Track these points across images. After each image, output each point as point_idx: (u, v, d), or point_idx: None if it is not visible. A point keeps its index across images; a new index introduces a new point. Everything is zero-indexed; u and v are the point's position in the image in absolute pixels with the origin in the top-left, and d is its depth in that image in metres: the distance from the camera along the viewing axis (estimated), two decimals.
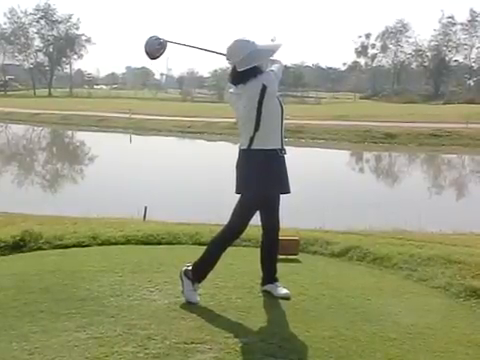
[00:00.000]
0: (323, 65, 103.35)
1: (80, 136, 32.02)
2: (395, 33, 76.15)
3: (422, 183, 18.20)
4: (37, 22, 77.15)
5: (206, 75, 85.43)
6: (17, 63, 79.03)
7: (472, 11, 71.18)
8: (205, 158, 20.93)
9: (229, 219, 3.82)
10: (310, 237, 5.68)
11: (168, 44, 3.98)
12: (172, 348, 3.02)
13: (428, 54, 74.00)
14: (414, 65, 77.55)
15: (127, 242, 5.55)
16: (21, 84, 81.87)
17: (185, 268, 3.82)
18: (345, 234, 6.30)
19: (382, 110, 40.04)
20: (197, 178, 15.86)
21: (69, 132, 34.27)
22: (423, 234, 7.19)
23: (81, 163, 22.67)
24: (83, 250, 5.27)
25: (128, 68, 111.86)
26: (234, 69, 3.73)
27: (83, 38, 77.54)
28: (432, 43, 72.93)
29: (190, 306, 3.64)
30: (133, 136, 30.74)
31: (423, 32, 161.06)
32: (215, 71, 73.92)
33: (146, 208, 7.87)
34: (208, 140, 28.78)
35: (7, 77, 78.04)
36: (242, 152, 3.77)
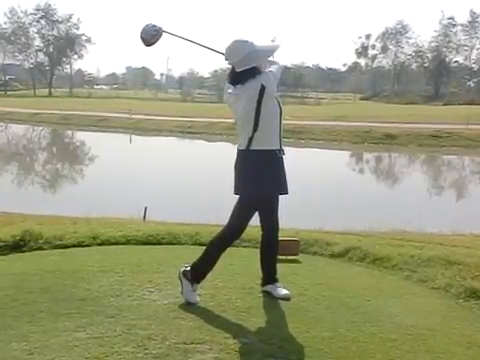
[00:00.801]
0: (323, 66, 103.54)
1: (80, 136, 32.03)
2: (395, 34, 76.19)
3: (422, 184, 18.20)
4: (37, 22, 77.18)
5: (206, 75, 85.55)
6: (17, 63, 79.05)
7: (472, 12, 71.32)
8: (205, 158, 20.94)
9: (228, 220, 3.82)
10: (310, 238, 5.68)
11: (164, 34, 3.98)
12: (172, 348, 3.02)
13: (428, 55, 74.03)
14: (414, 66, 77.58)
15: (127, 242, 5.55)
16: (21, 84, 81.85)
17: (183, 269, 3.82)
18: (345, 235, 6.30)
19: (382, 111, 40.05)
20: (197, 178, 15.86)
21: (69, 132, 34.28)
22: (423, 235, 7.19)
23: (81, 163, 22.67)
24: (83, 250, 5.27)
25: (128, 68, 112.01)
26: (233, 69, 3.73)
27: (83, 38, 77.63)
28: (432, 44, 73.03)
29: (190, 306, 3.64)
30: (133, 136, 30.74)
31: (423, 33, 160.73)
32: (215, 71, 73.99)
33: (146, 208, 7.87)
34: (208, 140, 28.78)
35: (7, 77, 78.06)
36: (241, 153, 3.77)
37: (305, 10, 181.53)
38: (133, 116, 35.05)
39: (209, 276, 3.84)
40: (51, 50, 77.44)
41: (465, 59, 73.83)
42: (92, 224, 6.29)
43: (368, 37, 77.50)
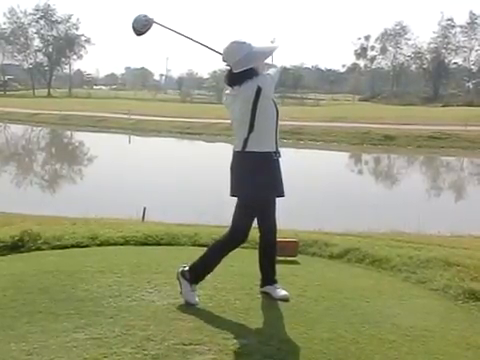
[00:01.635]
0: (322, 67, 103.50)
1: (79, 136, 32.02)
2: (394, 35, 76.32)
3: (421, 185, 18.21)
4: (36, 22, 77.18)
5: (205, 76, 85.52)
6: (16, 63, 79.06)
7: (471, 13, 71.45)
8: (204, 159, 20.94)
9: (231, 224, 3.79)
10: (309, 239, 5.68)
11: (154, 24, 3.98)
12: (171, 349, 3.02)
13: (427, 56, 74.12)
14: (413, 67, 77.69)
15: (126, 243, 5.55)
16: (20, 84, 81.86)
17: (181, 269, 3.81)
18: (344, 236, 6.31)
19: (381, 112, 40.08)
20: (196, 179, 15.86)
21: (68, 132, 34.27)
22: (422, 236, 7.20)
23: (80, 163, 22.66)
24: (82, 250, 5.26)
25: (127, 69, 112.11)
26: (230, 71, 3.73)
27: (83, 38, 77.70)
28: (431, 45, 73.13)
29: (189, 307, 3.64)
30: (132, 137, 30.74)
31: (422, 34, 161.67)
32: (214, 72, 73.96)
33: (145, 209, 7.88)
34: (207, 141, 28.77)
35: (6, 77, 78.04)
36: (236, 154, 3.76)
37: (304, 11, 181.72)
38: (132, 117, 35.05)
39: (208, 277, 3.83)
40: (50, 50, 77.44)
41: (464, 60, 74.06)
42: (91, 225, 6.29)
43: (367, 38, 77.74)
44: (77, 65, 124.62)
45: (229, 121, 3.88)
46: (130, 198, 11.56)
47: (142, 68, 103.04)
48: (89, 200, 11.57)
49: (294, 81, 73.81)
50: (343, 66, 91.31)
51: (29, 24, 77.22)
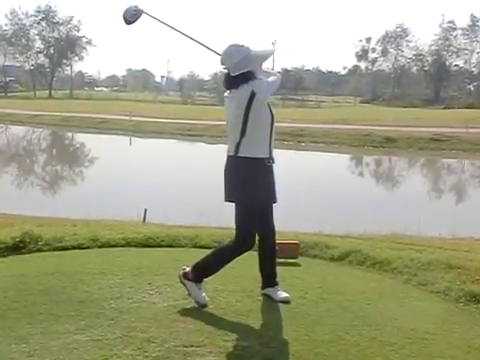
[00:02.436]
0: (323, 69, 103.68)
1: (80, 138, 32.05)
2: (395, 37, 76.38)
3: (422, 187, 18.20)
4: (38, 24, 77.34)
5: (206, 78, 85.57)
6: (18, 64, 79.18)
7: (473, 16, 71.54)
8: (205, 161, 20.93)
9: (238, 233, 3.77)
10: (310, 241, 5.67)
11: (143, 15, 4.05)
12: (171, 351, 3.02)
13: (428, 58, 74.18)
14: (414, 69, 77.76)
15: (127, 244, 5.54)
16: (21, 85, 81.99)
17: (182, 271, 3.80)
18: (345, 238, 6.30)
19: (382, 114, 40.09)
20: (197, 181, 15.85)
21: (69, 134, 34.30)
22: (423, 238, 7.20)
23: (81, 165, 22.67)
24: (83, 252, 5.26)
25: (129, 70, 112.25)
26: (228, 74, 3.73)
27: (84, 40, 77.87)
28: (432, 47, 73.19)
29: (190, 309, 3.64)
30: (133, 138, 30.75)
31: (423, 36, 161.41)
32: (215, 74, 74.01)
33: (146, 210, 7.88)
34: (208, 143, 28.75)
35: (7, 78, 78.12)
36: (229, 158, 3.76)
37: (306, 13, 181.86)
38: (133, 118, 35.08)
39: (209, 279, 3.83)
40: (51, 52, 77.57)
41: (465, 63, 74.12)
42: (92, 226, 6.29)
43: (368, 40, 77.81)
44: (78, 67, 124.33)
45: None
46: (131, 200, 11.57)
47: (143, 70, 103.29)
48: (90, 202, 11.58)
49: (295, 83, 73.85)
50: (344, 68, 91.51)
51: (30, 25, 77.45)
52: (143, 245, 5.56)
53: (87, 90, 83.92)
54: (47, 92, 73.94)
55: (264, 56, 3.84)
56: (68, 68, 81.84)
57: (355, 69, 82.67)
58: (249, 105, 3.59)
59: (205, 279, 3.81)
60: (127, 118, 35.28)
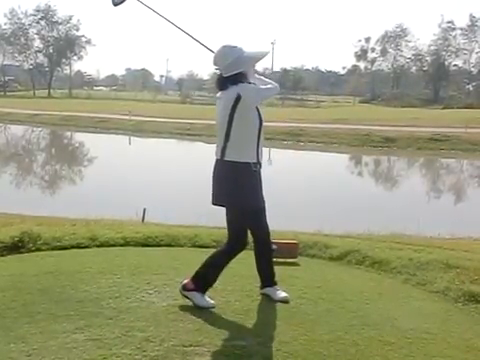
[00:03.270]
0: (323, 68, 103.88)
1: (79, 137, 32.01)
2: (395, 37, 76.42)
3: (421, 187, 18.21)
4: (37, 23, 77.27)
5: (206, 77, 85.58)
6: (17, 64, 79.13)
7: (472, 16, 71.59)
8: (204, 160, 20.89)
9: (230, 236, 3.77)
10: (309, 241, 5.68)
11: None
12: (170, 351, 3.02)
13: (427, 58, 74.22)
14: (413, 69, 77.79)
15: (126, 244, 5.55)
16: (21, 85, 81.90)
17: (183, 284, 3.77)
18: (344, 238, 6.31)
19: (381, 114, 40.09)
20: (196, 180, 15.82)
21: (68, 133, 34.27)
22: (422, 238, 7.20)
23: (80, 164, 22.66)
24: (82, 251, 5.26)
25: (128, 70, 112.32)
26: (220, 75, 3.71)
27: (83, 39, 77.80)
28: (432, 47, 73.23)
29: (188, 308, 3.64)
30: (132, 138, 30.73)
31: (423, 36, 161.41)
32: (215, 74, 73.83)
33: (145, 210, 7.87)
34: (207, 142, 28.69)
35: (7, 78, 78.06)
36: (217, 161, 3.74)
37: (305, 13, 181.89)
38: (132, 118, 35.05)
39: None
40: (51, 51, 77.49)
41: (464, 63, 74.14)
42: (91, 225, 6.29)
43: (368, 40, 77.85)
44: (77, 66, 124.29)
45: None
46: (130, 199, 11.56)
47: (142, 69, 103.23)
48: (89, 201, 11.57)
49: (294, 83, 73.94)
50: (343, 68, 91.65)
51: (30, 25, 77.37)
52: (142, 244, 5.57)
53: (86, 89, 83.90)
54: (46, 91, 73.86)
55: (257, 57, 3.79)
56: (67, 67, 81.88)
57: (354, 69, 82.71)
58: (234, 108, 3.57)
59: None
60: (126, 117, 35.25)
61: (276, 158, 24.17)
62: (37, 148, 28.96)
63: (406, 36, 76.01)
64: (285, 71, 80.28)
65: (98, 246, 5.46)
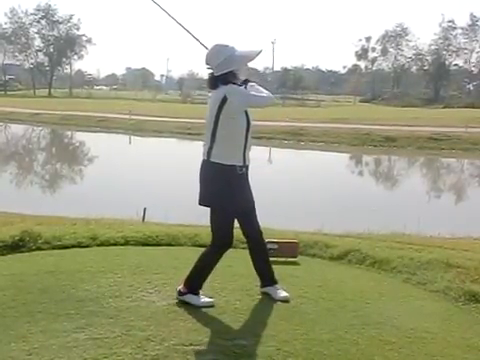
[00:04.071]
0: (323, 68, 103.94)
1: (80, 136, 32.01)
2: (395, 37, 76.39)
3: (421, 187, 18.20)
4: (38, 22, 77.27)
5: (206, 77, 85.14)
6: (17, 63, 79.09)
7: (472, 15, 71.53)
8: None
9: (213, 235, 3.76)
10: (309, 240, 5.67)
11: None
12: (171, 350, 3.02)
13: (428, 58, 74.15)
14: (414, 69, 77.73)
15: (126, 243, 5.54)
16: (21, 84, 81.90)
17: (178, 290, 3.77)
18: (344, 237, 6.30)
19: (382, 113, 40.09)
20: (196, 180, 15.82)
21: (69, 132, 34.26)
22: (422, 238, 7.19)
23: (81, 163, 22.65)
24: (82, 251, 5.26)
25: (128, 69, 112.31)
26: (212, 74, 3.70)
27: (83, 39, 77.79)
28: (432, 47, 73.16)
29: (189, 308, 3.64)
30: (133, 137, 30.73)
31: (423, 36, 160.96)
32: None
33: (145, 209, 7.86)
34: None
35: (7, 77, 78.08)
36: (203, 162, 3.74)
37: (305, 12, 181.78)
38: (133, 117, 35.03)
39: (208, 278, 3.83)
40: (51, 50, 77.49)
41: (465, 62, 74.11)
42: (91, 225, 6.29)
43: (368, 40, 77.86)
44: (78, 65, 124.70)
45: None
46: (130, 198, 11.55)
47: (143, 68, 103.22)
48: (89, 200, 11.57)
49: (295, 82, 73.93)
50: (344, 67, 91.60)
51: (30, 24, 77.38)
52: (142, 244, 5.56)
53: (87, 89, 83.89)
54: (47, 91, 73.88)
55: (249, 57, 3.76)
56: (68, 67, 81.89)
57: (355, 68, 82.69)
58: (220, 109, 3.56)
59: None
60: (127, 117, 35.23)
61: (276, 157, 24.17)
62: (38, 147, 28.95)
63: (407, 35, 76.04)
64: (285, 70, 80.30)
65: (98, 245, 5.46)
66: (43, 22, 77.22)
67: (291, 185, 15.08)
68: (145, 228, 6.09)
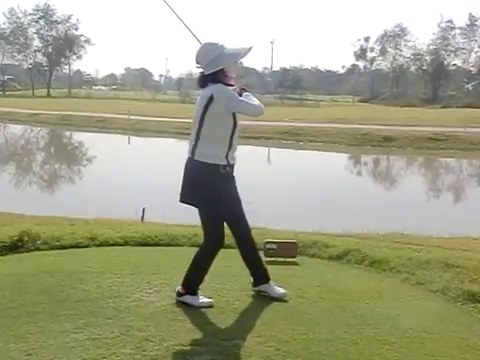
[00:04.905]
0: (322, 68, 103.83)
1: (79, 137, 31.98)
2: (394, 37, 76.36)
3: (420, 187, 18.21)
4: (36, 22, 77.15)
5: None
6: (16, 63, 79.06)
7: (471, 15, 71.49)
8: None
9: (204, 235, 3.77)
10: (308, 240, 5.67)
11: None
12: (170, 350, 3.02)
13: (427, 58, 74.13)
14: (413, 69, 77.69)
15: (125, 243, 5.54)
16: (20, 84, 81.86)
17: (177, 291, 3.77)
18: (343, 237, 6.30)
19: (380, 113, 40.07)
20: None
21: (67, 132, 34.23)
22: (421, 238, 7.19)
23: (79, 164, 22.64)
24: (81, 251, 5.26)
25: (127, 69, 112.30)
26: (202, 73, 3.69)
27: (82, 39, 77.63)
28: (431, 47, 73.10)
29: (188, 308, 3.64)
30: (131, 137, 30.72)
31: (422, 36, 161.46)
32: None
33: (144, 209, 7.86)
34: None
35: (6, 77, 78.00)
36: (187, 160, 3.73)
37: (304, 12, 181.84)
38: (132, 117, 35.01)
39: (206, 278, 3.83)
40: (50, 50, 77.39)
41: (463, 62, 74.09)
42: (90, 225, 6.29)
43: (367, 40, 77.78)
44: (76, 65, 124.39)
45: None
46: (129, 198, 11.54)
47: (141, 69, 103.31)
48: (88, 200, 11.56)
49: (294, 82, 73.82)
50: (343, 67, 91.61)
51: (29, 24, 77.23)
52: (141, 244, 5.56)
53: (85, 89, 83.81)
54: (45, 91, 73.77)
55: (239, 54, 3.75)
56: (66, 67, 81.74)
57: (354, 68, 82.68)
58: (206, 108, 3.57)
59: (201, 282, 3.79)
60: (125, 117, 35.20)
61: (275, 157, 24.17)
62: (36, 147, 28.93)
63: (405, 35, 75.98)
64: (284, 70, 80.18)
65: (97, 246, 5.46)
66: (42, 22, 77.10)
67: (290, 185, 15.07)
68: (144, 228, 6.09)
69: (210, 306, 3.68)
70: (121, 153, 23.99)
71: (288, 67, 79.31)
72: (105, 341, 3.08)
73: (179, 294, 3.74)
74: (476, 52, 72.42)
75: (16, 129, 34.86)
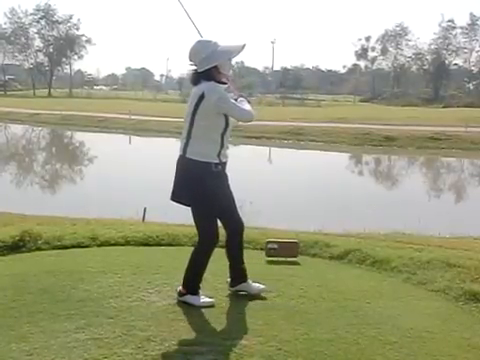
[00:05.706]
0: (323, 68, 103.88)
1: (80, 136, 32.00)
2: (395, 36, 76.34)
3: (421, 186, 18.20)
4: (37, 22, 77.23)
5: None
6: (17, 63, 79.12)
7: (472, 15, 71.53)
8: None
9: (198, 233, 3.75)
10: (309, 240, 5.67)
11: None
12: (171, 350, 3.02)
13: (428, 57, 74.13)
14: (414, 68, 77.69)
15: (126, 243, 5.55)
16: (21, 84, 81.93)
17: (178, 291, 3.77)
18: (344, 237, 6.30)
19: (381, 113, 40.05)
20: None
21: (69, 132, 34.24)
22: (422, 237, 7.18)
23: (80, 163, 22.65)
24: (82, 251, 5.26)
25: (128, 69, 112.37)
26: (195, 70, 3.67)
27: (83, 39, 77.74)
28: (432, 46, 73.12)
29: (189, 308, 3.64)
30: (133, 137, 30.74)
31: (423, 35, 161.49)
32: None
33: (145, 209, 7.86)
34: None
35: (7, 77, 78.06)
36: (179, 157, 3.73)
37: (305, 12, 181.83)
38: (133, 117, 35.03)
39: (208, 278, 3.83)
40: (51, 50, 77.47)
41: (464, 62, 74.13)
42: (91, 225, 6.29)
43: (368, 39, 77.76)
44: (78, 65, 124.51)
45: None
46: (131, 198, 11.55)
47: (143, 68, 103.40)
48: (90, 200, 11.57)
49: (295, 82, 73.89)
50: (344, 67, 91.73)
51: (30, 24, 77.35)
52: (143, 244, 5.57)
53: (86, 89, 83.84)
54: (46, 91, 73.84)
55: (232, 51, 3.73)
56: (67, 67, 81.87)
57: (355, 68, 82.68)
58: (197, 106, 3.56)
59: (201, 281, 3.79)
60: (126, 117, 35.22)
61: (276, 157, 24.16)
62: (37, 147, 28.95)
63: (406, 35, 75.99)
64: (285, 70, 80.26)
65: (99, 245, 5.46)
66: (43, 22, 77.19)
67: (291, 185, 15.07)
68: (145, 228, 6.09)
69: (211, 306, 3.68)
70: (122, 153, 24.00)
71: (289, 67, 79.51)
72: (106, 341, 3.08)
73: (180, 294, 3.75)
74: (477, 51, 72.52)
75: (17, 129, 34.89)
